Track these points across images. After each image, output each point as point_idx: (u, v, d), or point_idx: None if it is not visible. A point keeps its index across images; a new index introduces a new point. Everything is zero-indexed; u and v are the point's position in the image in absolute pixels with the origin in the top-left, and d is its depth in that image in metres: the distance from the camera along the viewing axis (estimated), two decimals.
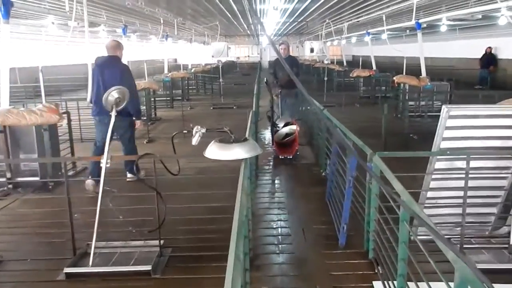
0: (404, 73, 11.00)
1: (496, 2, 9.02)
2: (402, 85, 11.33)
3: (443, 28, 15.87)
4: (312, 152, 7.72)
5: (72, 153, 6.84)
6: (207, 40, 21.16)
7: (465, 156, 3.47)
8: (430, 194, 3.79)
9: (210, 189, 5.02)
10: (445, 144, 3.55)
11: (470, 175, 3.48)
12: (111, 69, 5.58)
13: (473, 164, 3.49)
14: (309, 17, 14.07)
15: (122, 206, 4.48)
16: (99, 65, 5.63)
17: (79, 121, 9.04)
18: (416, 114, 10.25)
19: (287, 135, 7.76)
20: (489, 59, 19.16)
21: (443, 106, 3.43)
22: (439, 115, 9.14)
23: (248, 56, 43.77)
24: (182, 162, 5.28)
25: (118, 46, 5.80)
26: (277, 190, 5.74)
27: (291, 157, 7.37)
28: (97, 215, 3.65)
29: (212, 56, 19.35)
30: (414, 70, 12.24)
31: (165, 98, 14.91)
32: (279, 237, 4.32)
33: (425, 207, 3.80)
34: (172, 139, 3.77)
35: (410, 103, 10.76)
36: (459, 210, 3.69)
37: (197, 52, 26.66)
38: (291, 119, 7.96)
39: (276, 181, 6.17)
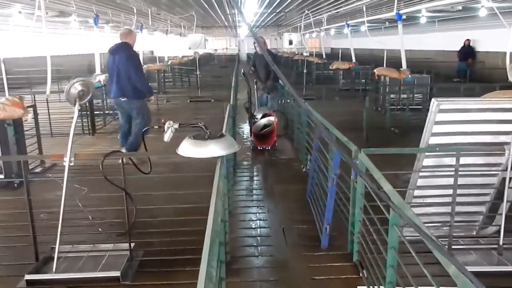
0: (384, 66, 10.83)
1: None
2: (382, 77, 11.19)
3: (423, 20, 15.79)
4: (292, 147, 7.49)
5: (40, 149, 6.45)
6: (183, 31, 20.64)
7: (455, 153, 3.27)
8: (417, 192, 3.59)
9: (185, 188, 4.70)
10: (434, 140, 3.35)
11: (459, 173, 3.29)
12: (120, 54, 5.93)
13: (462, 160, 3.29)
14: (288, 8, 13.79)
15: (92, 208, 4.20)
16: (111, 51, 6.07)
17: (49, 115, 8.59)
18: (397, 107, 10.10)
19: (265, 126, 7.56)
20: (468, 51, 19.21)
21: (433, 100, 3.22)
22: (420, 108, 9.01)
23: (226, 48, 43.24)
24: (155, 159, 5.01)
25: (128, 33, 6.18)
26: (256, 187, 5.49)
27: (269, 148, 7.19)
28: (61, 216, 3.35)
29: (189, 48, 18.86)
30: (393, 63, 12.10)
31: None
32: (258, 238, 4.08)
33: (412, 206, 3.61)
34: (143, 136, 3.48)
35: (391, 96, 10.64)
36: (447, 209, 3.51)
37: (174, 44, 26.11)
38: (269, 110, 7.74)
39: (255, 178, 5.92)
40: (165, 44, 23.44)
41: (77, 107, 3.38)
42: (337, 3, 11.89)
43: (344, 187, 3.74)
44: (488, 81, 15.62)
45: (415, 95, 10.34)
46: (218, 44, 41.34)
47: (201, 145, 3.11)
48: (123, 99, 6.11)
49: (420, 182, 3.55)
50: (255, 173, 6.10)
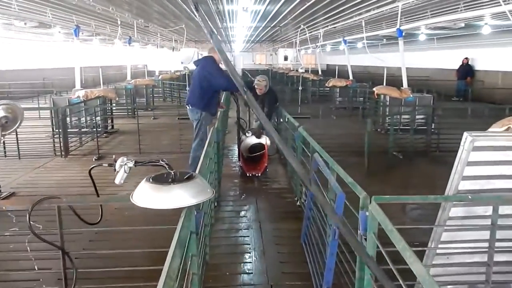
0: (384, 84, 10.15)
1: (482, 8, 8.31)
2: (382, 96, 10.49)
3: (422, 37, 15.22)
4: (286, 173, 6.71)
5: None
6: (175, 45, 19.97)
7: (492, 201, 2.53)
8: (440, 249, 2.82)
9: (147, 240, 3.92)
10: (465, 185, 2.60)
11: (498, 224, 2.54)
12: (199, 64, 6.24)
13: (501, 210, 2.55)
14: (282, 22, 13.13)
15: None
16: (195, 63, 6.44)
17: (16, 134, 7.76)
18: (399, 128, 9.36)
19: (254, 147, 6.82)
20: (466, 70, 18.69)
21: (465, 134, 2.48)
22: (424, 129, 8.27)
23: (221, 63, 42.59)
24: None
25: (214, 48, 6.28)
26: (242, 227, 4.66)
27: (259, 175, 6.42)
28: None
29: (182, 63, 18.22)
30: (391, 81, 11.49)
31: (126, 108, 13.77)
32: None
33: (434, 266, 2.86)
34: (90, 175, 2.70)
35: (391, 115, 9.94)
36: (480, 269, 2.76)
37: (167, 58, 25.48)
38: (260, 129, 6.96)
39: (242, 213, 5.10)
40: (157, 58, 22.81)
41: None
42: (334, 18, 11.24)
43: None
44: (488, 101, 15.03)
45: (417, 115, 9.62)
46: None
47: (163, 191, 2.35)
48: (188, 108, 6.18)
49: (444, 236, 2.79)
50: (241, 207, 5.29)
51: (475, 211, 2.73)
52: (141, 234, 3.95)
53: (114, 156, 2.59)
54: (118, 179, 2.56)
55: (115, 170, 2.56)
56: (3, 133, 2.50)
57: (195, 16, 1.37)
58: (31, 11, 8.93)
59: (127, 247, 3.76)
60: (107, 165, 2.62)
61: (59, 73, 21.70)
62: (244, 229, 4.59)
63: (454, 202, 2.66)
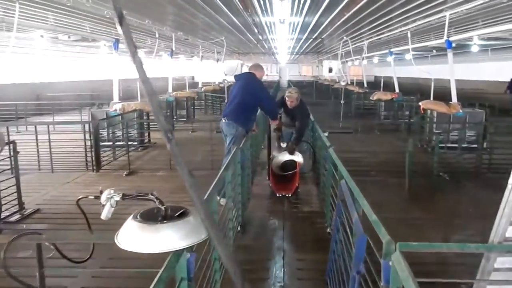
0: (431, 98, 9.49)
1: None
2: (429, 111, 9.84)
3: (475, 49, 14.32)
4: (318, 194, 6.26)
5: (18, 191, 5.54)
6: (217, 57, 19.94)
7: None
8: None
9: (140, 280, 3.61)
10: None
11: None
12: (241, 81, 6.05)
13: None
14: (324, 33, 12.71)
15: None
16: (236, 78, 6.28)
17: (50, 148, 7.78)
18: (447, 146, 8.69)
19: (285, 164, 6.43)
20: None
21: None
22: (474, 147, 7.57)
23: (267, 74, 42.57)
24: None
25: (258, 66, 6.25)
26: (264, 257, 4.27)
27: (290, 195, 6.01)
28: None
29: (225, 74, 18.17)
30: (441, 93, 10.78)
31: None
32: None
33: None
34: (79, 206, 2.43)
35: (440, 134, 9.27)
36: None
37: (212, 70, 25.61)
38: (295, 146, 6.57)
39: (265, 241, 4.71)
40: (200, 70, 22.93)
41: None
42: (378, 28, 10.72)
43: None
44: None
45: (468, 132, 8.92)
46: None
47: (148, 231, 2.06)
48: (224, 121, 5.93)
49: None
50: (266, 234, 4.90)
51: None
52: (133, 273, 3.61)
53: (100, 188, 2.31)
54: (104, 214, 2.27)
55: (101, 204, 2.28)
56: None
57: (120, 29, 1.04)
58: (69, 26, 8.99)
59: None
60: (93, 197, 2.35)
61: (108, 84, 22.20)
62: (266, 257, 4.21)
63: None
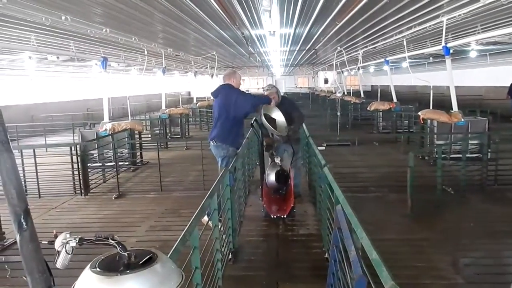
0: (431, 107, 9.17)
1: None
2: (429, 121, 9.52)
3: (473, 54, 14.07)
4: (316, 215, 5.88)
5: None
6: (211, 71, 19.72)
7: None
8: None
9: None
10: None
11: None
12: (221, 98, 5.58)
13: None
14: (317, 44, 12.47)
15: None
16: (214, 95, 5.75)
17: (36, 172, 7.45)
18: (450, 156, 8.34)
19: (279, 175, 5.98)
20: None
21: None
22: (478, 157, 7.21)
23: (263, 88, 42.30)
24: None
25: (232, 74, 5.82)
26: None
27: (285, 216, 5.62)
28: None
29: None
30: (440, 101, 10.49)
31: (154, 140, 13.45)
32: None
33: None
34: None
35: (440, 142, 8.95)
36: None
37: (206, 85, 25.42)
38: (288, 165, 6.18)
39: (257, 269, 4.35)
40: (195, 85, 22.74)
41: None
42: (372, 37, 10.47)
43: None
44: None
45: (470, 142, 8.58)
46: (251, 84, 40.14)
47: (107, 284, 1.71)
48: (213, 144, 5.60)
49: None
50: (258, 262, 4.53)
51: None
52: None
53: (54, 231, 1.99)
54: (60, 262, 1.93)
55: (55, 250, 1.96)
56: None
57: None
58: (53, 46, 8.74)
59: None
60: (46, 242, 2.02)
61: (101, 103, 21.95)
62: None
63: None
